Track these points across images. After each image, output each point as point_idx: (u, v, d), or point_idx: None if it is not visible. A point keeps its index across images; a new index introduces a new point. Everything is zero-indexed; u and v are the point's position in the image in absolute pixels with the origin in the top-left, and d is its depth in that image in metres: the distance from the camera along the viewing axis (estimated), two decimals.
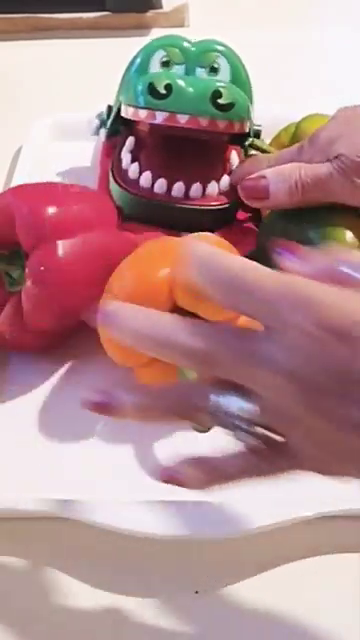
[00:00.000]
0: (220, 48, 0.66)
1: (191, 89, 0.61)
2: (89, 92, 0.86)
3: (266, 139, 0.69)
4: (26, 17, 1.06)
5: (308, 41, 1.00)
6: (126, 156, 0.66)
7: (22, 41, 1.04)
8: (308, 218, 0.57)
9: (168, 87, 0.60)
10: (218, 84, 0.61)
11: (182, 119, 0.61)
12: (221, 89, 0.61)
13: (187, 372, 0.49)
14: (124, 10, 1.05)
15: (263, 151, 0.67)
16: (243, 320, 0.52)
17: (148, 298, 0.50)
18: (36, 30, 1.06)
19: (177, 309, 0.50)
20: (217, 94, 0.60)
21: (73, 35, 1.04)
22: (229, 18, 1.05)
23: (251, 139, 0.67)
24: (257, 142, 0.67)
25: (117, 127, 0.70)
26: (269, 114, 0.70)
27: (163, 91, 0.60)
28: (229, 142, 0.67)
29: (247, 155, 0.68)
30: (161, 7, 1.06)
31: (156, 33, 0.96)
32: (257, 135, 0.70)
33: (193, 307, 0.50)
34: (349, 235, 0.55)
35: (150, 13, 1.05)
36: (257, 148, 0.67)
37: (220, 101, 0.60)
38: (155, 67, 0.65)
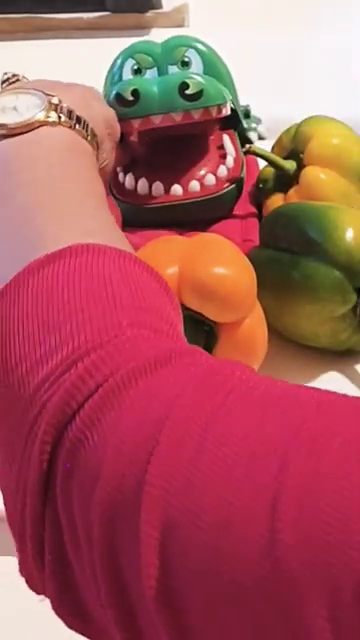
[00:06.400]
0: (187, 41, 0.65)
1: (157, 88, 0.60)
2: None
3: (269, 141, 0.69)
4: (26, 17, 1.06)
5: (308, 42, 1.00)
6: (120, 169, 0.66)
7: (22, 41, 1.04)
8: (309, 216, 0.57)
9: (135, 93, 0.60)
10: (183, 76, 0.61)
11: (156, 120, 0.61)
12: (187, 80, 0.60)
13: None
14: (124, 10, 1.05)
15: (261, 157, 0.67)
16: (248, 322, 0.53)
17: None
18: (36, 30, 1.06)
19: (183, 309, 0.50)
20: (184, 86, 0.60)
21: (73, 35, 1.04)
22: (229, 18, 1.05)
23: (248, 146, 0.67)
24: (255, 148, 0.66)
25: None
26: (270, 116, 0.70)
27: (130, 98, 0.60)
28: (221, 128, 0.67)
29: (241, 139, 0.68)
30: (161, 7, 1.06)
31: (156, 33, 0.97)
32: (247, 115, 0.69)
33: (199, 307, 0.50)
34: (349, 233, 0.55)
35: (150, 13, 1.06)
36: (255, 154, 0.66)
37: (188, 92, 0.60)
38: (127, 76, 0.65)
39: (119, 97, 0.60)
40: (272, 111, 0.72)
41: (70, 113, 0.45)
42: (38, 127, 0.44)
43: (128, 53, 0.65)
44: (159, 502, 0.26)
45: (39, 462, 0.30)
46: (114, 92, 0.60)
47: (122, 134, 0.64)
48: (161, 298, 0.37)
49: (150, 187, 0.63)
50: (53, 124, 0.44)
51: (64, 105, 0.45)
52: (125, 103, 0.60)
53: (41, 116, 0.44)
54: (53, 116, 0.44)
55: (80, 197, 0.41)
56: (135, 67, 0.64)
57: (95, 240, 0.37)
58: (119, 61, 0.66)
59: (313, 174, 0.63)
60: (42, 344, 0.32)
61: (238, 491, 0.25)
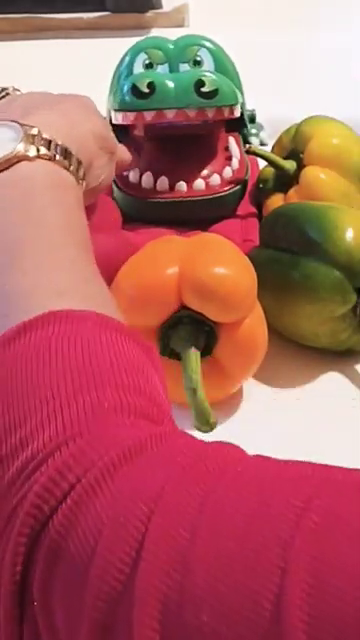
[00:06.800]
0: (200, 41, 0.66)
1: (174, 83, 0.60)
2: (89, 92, 0.86)
3: (269, 141, 0.69)
4: (26, 17, 1.06)
5: (308, 42, 1.00)
6: None
7: (22, 41, 1.04)
8: (309, 216, 0.57)
9: (151, 85, 0.60)
10: (200, 73, 0.61)
11: (170, 114, 0.61)
12: (203, 78, 0.60)
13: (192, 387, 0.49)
14: (124, 10, 1.05)
15: (261, 157, 0.67)
16: (248, 322, 0.53)
17: (156, 297, 0.50)
18: (36, 30, 1.06)
19: (184, 308, 0.51)
20: (200, 83, 0.60)
21: (73, 35, 1.04)
22: (229, 18, 1.05)
23: (248, 145, 0.67)
24: (255, 148, 0.66)
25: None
26: (270, 116, 0.70)
27: (146, 90, 0.60)
28: (226, 130, 0.68)
29: (246, 142, 0.68)
30: (161, 7, 1.06)
31: (156, 33, 0.96)
32: (252, 119, 0.69)
33: (199, 307, 0.50)
34: (349, 233, 0.55)
35: (150, 13, 1.06)
36: (255, 154, 0.66)
37: (204, 89, 0.60)
38: (138, 71, 0.65)
39: (134, 88, 0.60)
40: (272, 111, 0.72)
41: (49, 143, 0.42)
42: (16, 163, 0.41)
43: (139, 48, 0.66)
44: (154, 595, 0.25)
45: (12, 569, 0.28)
46: (129, 83, 0.61)
47: (127, 127, 0.64)
48: (143, 366, 0.34)
49: (155, 182, 0.64)
50: (32, 159, 0.41)
51: (44, 136, 0.42)
52: (140, 95, 0.60)
53: (19, 150, 0.41)
54: (32, 150, 0.41)
55: (58, 247, 0.39)
56: (147, 62, 0.65)
57: (72, 300, 0.35)
58: (128, 57, 0.66)
59: (313, 174, 0.63)
60: (12, 433, 0.31)
61: (239, 581, 0.24)
